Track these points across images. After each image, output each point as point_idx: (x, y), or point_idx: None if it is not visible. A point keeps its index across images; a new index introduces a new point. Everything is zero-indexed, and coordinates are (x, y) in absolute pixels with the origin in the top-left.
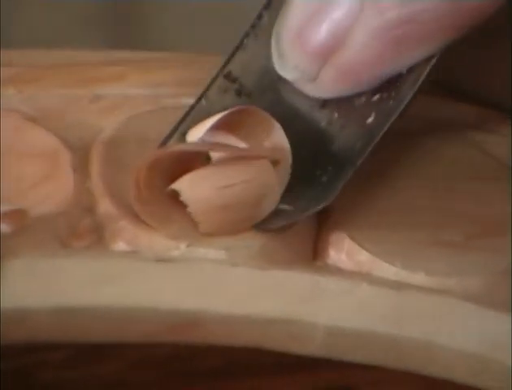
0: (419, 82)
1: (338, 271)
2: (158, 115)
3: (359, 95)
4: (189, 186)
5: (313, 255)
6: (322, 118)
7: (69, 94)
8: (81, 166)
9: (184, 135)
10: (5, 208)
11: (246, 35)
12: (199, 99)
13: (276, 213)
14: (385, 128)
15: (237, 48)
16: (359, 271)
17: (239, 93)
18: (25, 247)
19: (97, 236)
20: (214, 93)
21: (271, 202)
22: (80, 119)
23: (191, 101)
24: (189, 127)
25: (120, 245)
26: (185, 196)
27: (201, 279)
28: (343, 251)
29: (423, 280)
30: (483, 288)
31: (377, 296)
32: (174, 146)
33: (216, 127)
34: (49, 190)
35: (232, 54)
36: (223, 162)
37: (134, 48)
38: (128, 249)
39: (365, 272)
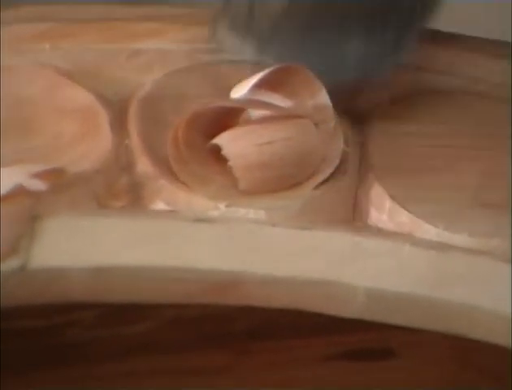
0: None
1: (379, 232)
2: (195, 72)
3: None
4: (230, 141)
5: (353, 215)
6: None
7: (106, 50)
8: (119, 123)
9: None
10: (41, 167)
11: None
12: None
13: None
14: None
15: None
16: (400, 232)
17: None
18: (62, 206)
19: (134, 196)
20: None
21: (313, 161)
22: (117, 75)
23: (228, 57)
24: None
25: (159, 205)
26: (226, 150)
27: (240, 239)
28: (384, 211)
29: (465, 241)
30: None
31: (419, 257)
32: (214, 102)
33: (259, 85)
34: (86, 148)
35: None
36: (264, 119)
37: None
38: (166, 208)
39: (406, 233)
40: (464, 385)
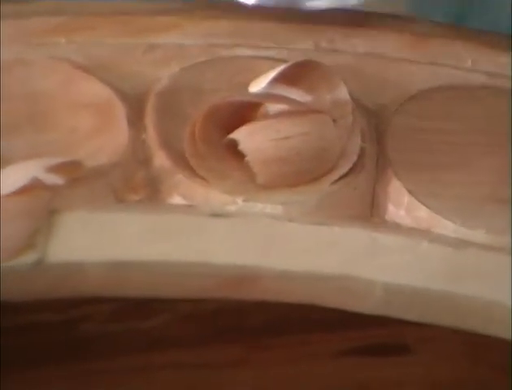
0: None
1: (396, 228)
2: (212, 66)
3: None
4: (247, 136)
5: (370, 210)
6: None
7: (122, 44)
8: (136, 117)
9: None
10: (57, 160)
11: None
12: None
13: None
14: None
15: None
16: (418, 228)
17: None
18: (79, 200)
19: (152, 190)
20: None
21: (330, 157)
22: (133, 69)
23: (245, 51)
24: None
25: (176, 199)
26: (243, 145)
27: (257, 234)
28: (402, 207)
29: (482, 238)
30: None
31: (436, 253)
32: (231, 96)
33: (278, 80)
34: (103, 142)
35: None
36: (281, 114)
37: None
38: (183, 203)
39: (423, 229)
40: (476, 381)
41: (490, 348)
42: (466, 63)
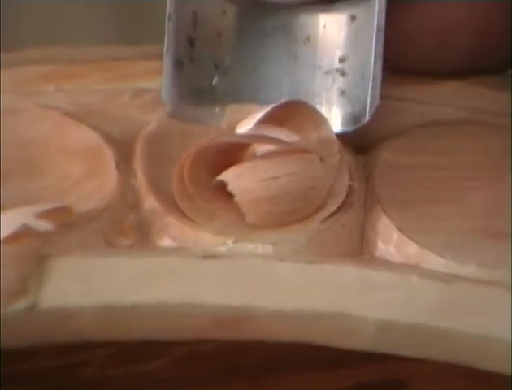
0: None
1: (387, 264)
2: None
3: None
4: (236, 177)
5: (360, 248)
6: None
7: (110, 90)
8: (125, 162)
9: None
10: (48, 206)
11: None
12: None
13: None
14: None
15: None
16: (408, 264)
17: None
18: (70, 245)
19: (142, 233)
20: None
21: (319, 196)
22: (121, 114)
23: None
24: None
25: (166, 242)
26: (232, 186)
27: (248, 274)
28: (392, 243)
29: (473, 272)
30: None
31: (427, 289)
32: (219, 138)
33: (264, 121)
34: (92, 187)
35: None
36: (269, 154)
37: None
38: (174, 245)
39: (413, 264)
40: None
41: (491, 383)
42: (451, 100)
